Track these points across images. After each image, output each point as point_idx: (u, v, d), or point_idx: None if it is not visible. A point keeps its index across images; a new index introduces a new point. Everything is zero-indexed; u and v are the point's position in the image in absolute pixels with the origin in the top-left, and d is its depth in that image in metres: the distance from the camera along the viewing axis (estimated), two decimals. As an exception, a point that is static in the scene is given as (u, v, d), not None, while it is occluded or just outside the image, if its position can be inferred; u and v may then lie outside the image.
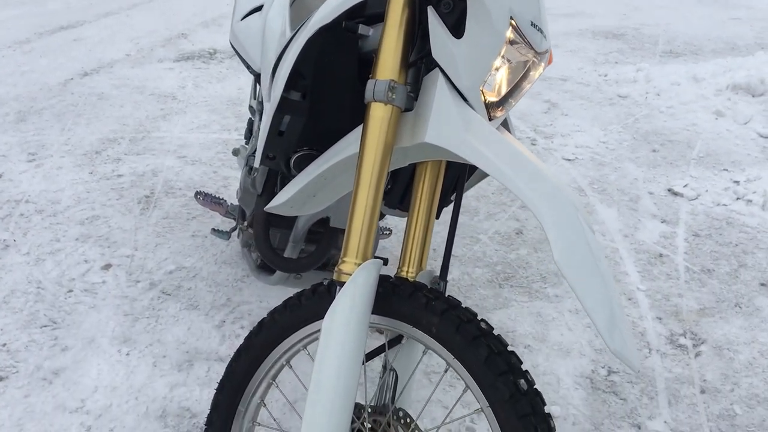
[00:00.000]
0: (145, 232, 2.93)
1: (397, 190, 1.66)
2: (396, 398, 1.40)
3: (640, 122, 4.35)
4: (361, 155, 1.28)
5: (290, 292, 2.62)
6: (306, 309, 1.40)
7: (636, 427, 1.97)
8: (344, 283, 1.26)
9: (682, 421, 2.00)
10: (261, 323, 1.46)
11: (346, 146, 1.39)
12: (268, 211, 1.51)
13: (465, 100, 1.26)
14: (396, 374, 1.40)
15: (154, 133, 4.10)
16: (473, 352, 1.20)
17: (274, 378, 1.46)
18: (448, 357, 1.24)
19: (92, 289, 2.53)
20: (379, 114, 1.26)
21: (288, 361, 1.45)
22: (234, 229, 2.09)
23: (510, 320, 2.43)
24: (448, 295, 1.29)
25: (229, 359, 1.48)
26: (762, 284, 2.66)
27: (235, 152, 2.65)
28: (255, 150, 1.97)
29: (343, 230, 1.75)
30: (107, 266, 2.68)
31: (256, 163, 1.54)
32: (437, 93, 1.25)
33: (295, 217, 1.75)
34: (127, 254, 2.76)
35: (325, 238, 1.71)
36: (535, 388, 1.18)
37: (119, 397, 2.01)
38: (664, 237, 3.01)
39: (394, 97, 1.24)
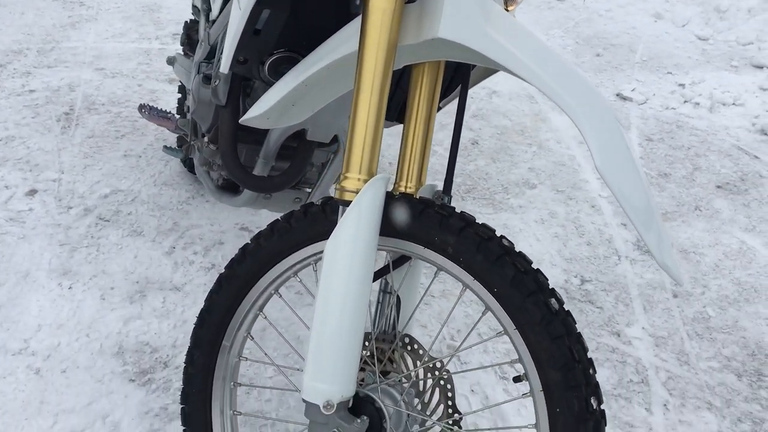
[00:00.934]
0: (70, 153, 2.65)
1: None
2: (404, 325, 1.29)
3: (581, 26, 4.26)
4: (361, 55, 1.10)
5: (243, 213, 2.46)
6: (297, 232, 1.25)
7: (615, 335, 1.95)
8: (348, 201, 1.11)
9: (659, 326, 1.99)
10: (244, 249, 1.30)
11: (334, 47, 1.20)
12: (243, 124, 1.32)
13: (480, -14, 1.09)
14: (399, 299, 1.28)
15: (64, 43, 3.70)
16: (498, 272, 1.09)
17: (261, 309, 1.32)
18: (466, 279, 1.12)
19: (18, 218, 2.27)
20: (380, 5, 1.08)
21: (277, 290, 1.31)
22: (186, 146, 1.88)
23: (477, 233, 2.34)
24: (461, 211, 1.16)
25: (209, 290, 1.32)
26: (718, 186, 2.68)
27: (171, 61, 2.39)
28: (208, 55, 1.75)
29: (320, 144, 1.59)
30: (32, 192, 2.41)
31: (224, 68, 1.34)
32: (451, -19, 1.07)
33: (266, 131, 1.57)
34: (52, 178, 2.49)
35: (300, 154, 1.54)
36: (566, 308, 1.09)
37: (67, 335, 1.82)
38: (618, 142, 2.98)
39: (396, -15, 1.07)
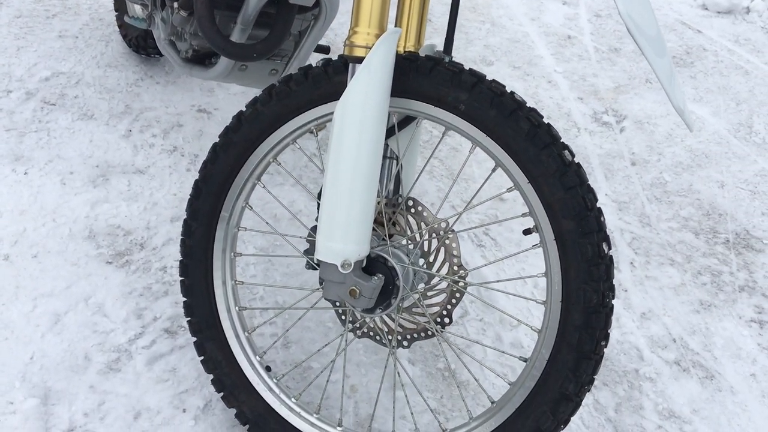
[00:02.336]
0: (-2, 34, 2.45)
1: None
2: (409, 189, 1.29)
3: None
4: None
5: (198, 94, 2.34)
6: (298, 96, 1.21)
7: (581, 201, 2.02)
8: (360, 58, 1.08)
9: (620, 192, 2.07)
10: (240, 116, 1.25)
11: None
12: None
13: None
14: (401, 164, 1.27)
15: None
16: (512, 126, 1.09)
17: (259, 178, 1.29)
18: (478, 136, 1.13)
19: (-47, 103, 2.10)
20: None
21: (275, 158, 1.27)
22: (148, 15, 1.76)
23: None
24: (470, 68, 1.15)
25: (204, 160, 1.27)
26: (665, 60, 2.74)
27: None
28: None
29: (299, 6, 1.51)
30: (-37, 76, 2.22)
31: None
32: None
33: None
34: (-17, 61, 2.30)
35: (280, 19, 1.46)
36: (577, 161, 1.11)
37: (32, 221, 1.74)
38: (569, 19, 2.98)
39: None
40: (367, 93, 1.07)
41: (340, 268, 1.11)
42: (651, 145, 2.26)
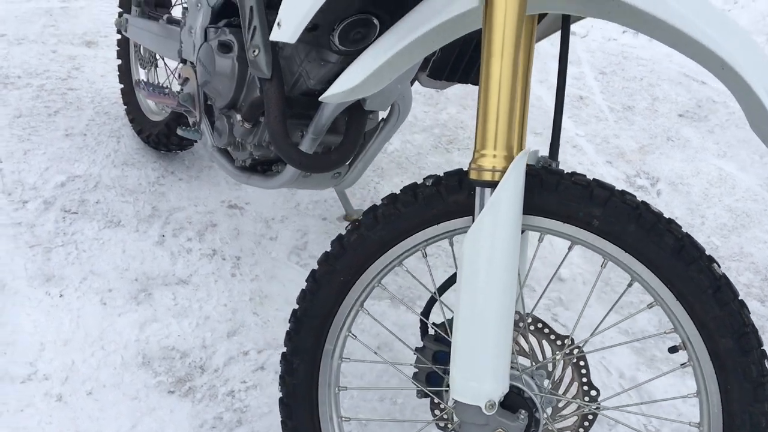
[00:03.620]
0: (1, 138, 2.31)
1: (446, 57, 1.38)
2: (533, 306, 1.21)
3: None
4: (489, 14, 0.98)
5: (226, 189, 2.21)
6: (407, 218, 1.12)
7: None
8: (490, 183, 1.00)
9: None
10: (342, 242, 1.16)
11: (441, 7, 1.07)
12: (325, 100, 1.16)
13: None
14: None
15: (-56, 7, 3.20)
16: (654, 241, 1.03)
17: (363, 304, 1.19)
18: (612, 251, 1.06)
19: (-33, 220, 1.96)
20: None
21: (380, 281, 1.18)
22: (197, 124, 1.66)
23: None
24: (595, 179, 1.09)
25: (300, 292, 1.18)
26: (680, 115, 2.75)
27: (121, 24, 2.12)
28: (212, 18, 1.54)
29: (371, 113, 1.45)
30: (-28, 188, 2.08)
31: (290, 37, 1.16)
32: None
33: (317, 104, 1.41)
34: (-9, 169, 2.16)
35: (354, 125, 1.39)
36: (724, 273, 1.05)
37: (80, 351, 1.60)
38: (576, 78, 2.98)
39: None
40: (500, 219, 0.99)
41: (483, 410, 1.02)
42: (691, 208, 2.24)
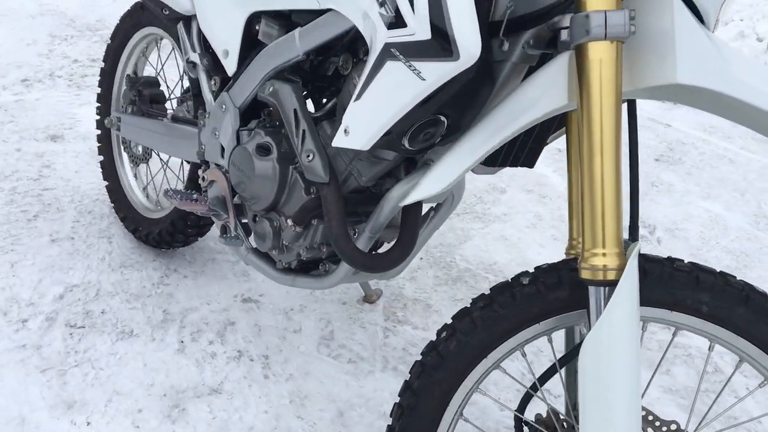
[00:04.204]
0: (-19, 251, 2.16)
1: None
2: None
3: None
4: (587, 112, 0.99)
5: (234, 282, 2.12)
6: (507, 319, 1.10)
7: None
8: (604, 282, 0.99)
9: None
10: (437, 351, 1.11)
11: (530, 104, 1.06)
12: (408, 203, 1.14)
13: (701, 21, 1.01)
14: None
15: None
16: (766, 322, 1.04)
17: (462, 413, 1.15)
18: (720, 334, 1.06)
19: (-35, 349, 1.80)
20: (606, 55, 0.97)
21: (478, 387, 1.14)
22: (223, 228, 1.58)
23: (483, 251, 2.27)
24: (694, 263, 1.09)
25: (396, 408, 1.12)
26: (656, 159, 2.84)
27: (113, 123, 2.04)
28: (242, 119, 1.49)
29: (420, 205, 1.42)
30: (-37, 311, 1.93)
31: (365, 144, 1.13)
32: (676, 16, 0.98)
33: (369, 200, 1.37)
34: (-22, 287, 2.01)
35: (412, 218, 1.36)
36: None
37: (124, 486, 1.48)
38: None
39: (634, 29, 0.96)
40: (621, 319, 0.98)
41: None
42: (693, 253, 2.29)
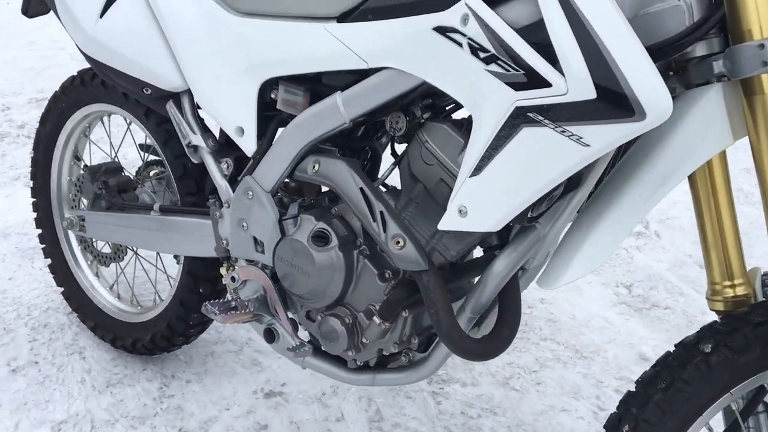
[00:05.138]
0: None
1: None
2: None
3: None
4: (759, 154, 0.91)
5: (249, 376, 1.81)
6: (696, 394, 0.96)
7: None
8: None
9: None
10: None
11: (689, 151, 1.00)
12: (557, 287, 0.97)
13: None
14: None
15: None
16: None
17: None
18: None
19: None
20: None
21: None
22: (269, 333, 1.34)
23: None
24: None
25: None
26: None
27: (75, 224, 1.74)
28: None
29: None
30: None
31: (489, 227, 0.96)
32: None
33: (460, 275, 1.20)
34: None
35: (514, 292, 1.19)
36: None
37: None
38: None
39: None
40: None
41: None
42: (694, 241, 2.27)
